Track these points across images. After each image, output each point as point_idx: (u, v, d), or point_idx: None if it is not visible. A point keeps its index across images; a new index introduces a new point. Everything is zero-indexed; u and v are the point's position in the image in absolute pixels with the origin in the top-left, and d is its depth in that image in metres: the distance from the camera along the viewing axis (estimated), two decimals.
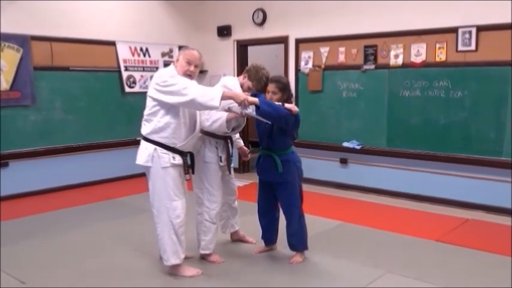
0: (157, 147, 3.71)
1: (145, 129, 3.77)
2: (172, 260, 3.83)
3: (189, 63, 3.77)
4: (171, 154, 3.74)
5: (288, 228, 4.19)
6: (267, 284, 3.85)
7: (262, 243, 4.47)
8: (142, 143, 3.80)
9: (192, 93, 3.54)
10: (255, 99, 3.68)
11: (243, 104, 3.64)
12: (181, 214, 3.80)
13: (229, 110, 3.83)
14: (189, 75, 3.78)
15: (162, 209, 3.78)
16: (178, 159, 3.78)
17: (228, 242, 4.70)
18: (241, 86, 4.17)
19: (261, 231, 4.39)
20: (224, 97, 3.60)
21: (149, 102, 3.75)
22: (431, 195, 6.15)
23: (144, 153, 3.75)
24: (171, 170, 3.75)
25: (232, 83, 4.14)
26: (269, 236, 4.39)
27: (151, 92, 3.72)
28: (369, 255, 4.37)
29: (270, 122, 3.85)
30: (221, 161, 4.18)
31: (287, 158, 4.05)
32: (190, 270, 3.94)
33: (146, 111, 3.78)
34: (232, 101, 3.72)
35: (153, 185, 3.79)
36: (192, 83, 3.66)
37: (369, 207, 6.07)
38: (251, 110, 3.71)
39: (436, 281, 3.82)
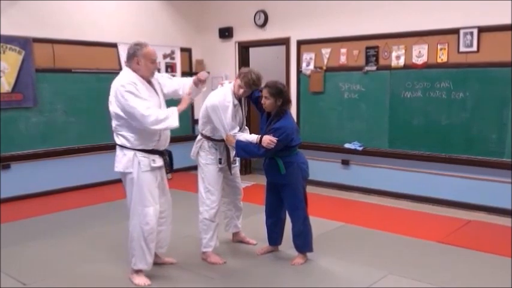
0: (137, 152, 3.68)
1: (119, 140, 3.73)
2: (139, 265, 3.81)
3: (153, 61, 3.74)
4: (151, 157, 3.72)
5: (293, 230, 4.20)
6: (269, 285, 3.85)
7: (263, 245, 4.47)
8: (119, 150, 3.75)
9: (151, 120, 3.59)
10: (232, 144, 4.02)
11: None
12: (151, 221, 3.74)
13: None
14: (155, 69, 3.82)
15: (134, 215, 3.76)
16: (158, 161, 3.76)
17: (230, 242, 4.71)
18: (236, 93, 4.15)
19: (266, 231, 4.40)
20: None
21: (112, 114, 3.68)
22: (433, 197, 6.14)
23: (124, 159, 3.72)
24: (149, 174, 3.72)
25: (227, 101, 4.10)
26: (274, 236, 4.40)
27: (112, 107, 3.65)
28: (371, 257, 4.37)
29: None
30: (220, 162, 4.20)
31: (290, 159, 4.05)
32: (141, 279, 3.82)
33: (113, 122, 3.72)
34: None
35: (129, 190, 3.76)
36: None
37: (371, 209, 6.06)
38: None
39: (438, 282, 3.81)
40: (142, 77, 3.70)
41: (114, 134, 3.77)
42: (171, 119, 3.61)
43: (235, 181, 4.48)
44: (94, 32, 7.09)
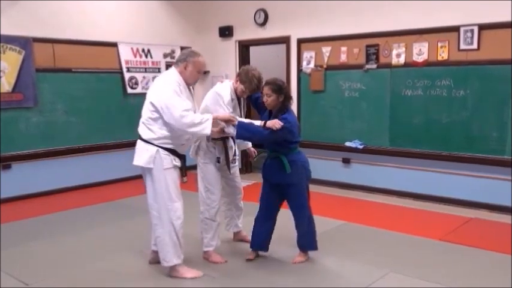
0: (160, 149, 3.75)
1: (147, 133, 3.76)
2: (174, 260, 3.85)
3: (200, 72, 3.92)
4: (172, 156, 3.80)
5: (298, 230, 4.17)
6: (270, 284, 3.84)
7: None
8: (143, 144, 3.79)
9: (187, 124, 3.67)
10: (234, 123, 3.80)
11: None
12: (182, 216, 3.84)
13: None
14: (198, 79, 4.00)
15: (163, 211, 3.80)
16: (177, 162, 3.85)
17: (231, 241, 4.71)
18: (235, 91, 4.18)
19: (253, 236, 4.25)
20: (213, 123, 3.72)
21: (150, 106, 3.74)
22: (434, 195, 6.14)
23: (145, 154, 3.75)
24: (172, 171, 3.80)
25: (225, 92, 4.13)
26: (264, 241, 4.24)
27: (153, 99, 3.72)
28: (372, 255, 4.37)
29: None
30: (219, 161, 4.20)
31: (293, 158, 4.03)
32: (191, 272, 3.93)
33: (146, 115, 3.77)
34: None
35: (154, 187, 3.79)
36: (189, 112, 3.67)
37: (372, 207, 6.06)
38: (232, 131, 3.83)
39: (440, 280, 3.81)
40: (185, 81, 3.85)
41: (142, 127, 3.80)
42: (204, 125, 3.68)
43: (234, 181, 4.47)
44: (94, 32, 7.09)
